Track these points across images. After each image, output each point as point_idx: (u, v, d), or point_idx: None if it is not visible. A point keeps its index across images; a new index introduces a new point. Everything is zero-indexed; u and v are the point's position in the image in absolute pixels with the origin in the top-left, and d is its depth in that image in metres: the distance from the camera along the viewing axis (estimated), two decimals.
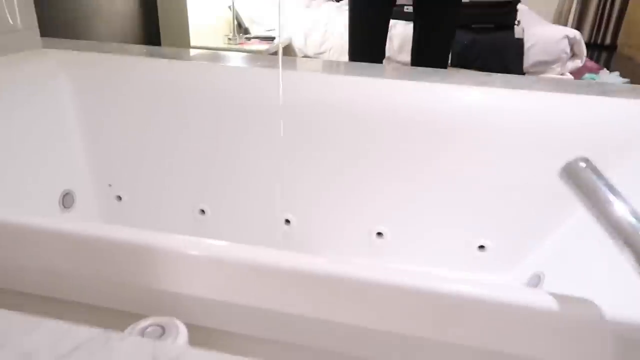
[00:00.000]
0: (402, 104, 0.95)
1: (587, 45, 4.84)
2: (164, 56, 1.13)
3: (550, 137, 0.90)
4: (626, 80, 3.12)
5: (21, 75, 1.01)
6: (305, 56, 2.98)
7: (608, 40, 4.89)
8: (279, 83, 0.79)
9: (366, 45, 1.56)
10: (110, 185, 1.07)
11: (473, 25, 2.80)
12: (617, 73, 3.21)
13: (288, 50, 3.04)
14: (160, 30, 2.47)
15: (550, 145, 0.90)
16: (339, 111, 0.97)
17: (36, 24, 1.30)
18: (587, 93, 0.94)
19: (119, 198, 1.08)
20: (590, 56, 4.40)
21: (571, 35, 2.77)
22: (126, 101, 1.05)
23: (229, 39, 2.80)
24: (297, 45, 2.98)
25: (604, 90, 0.96)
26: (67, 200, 1.02)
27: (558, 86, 1.00)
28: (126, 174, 1.07)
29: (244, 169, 1.03)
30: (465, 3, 2.79)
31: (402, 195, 0.98)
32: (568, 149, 0.89)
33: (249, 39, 2.87)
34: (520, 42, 2.75)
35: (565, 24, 4.93)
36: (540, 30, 2.83)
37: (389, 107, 0.96)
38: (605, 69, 3.50)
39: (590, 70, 3.41)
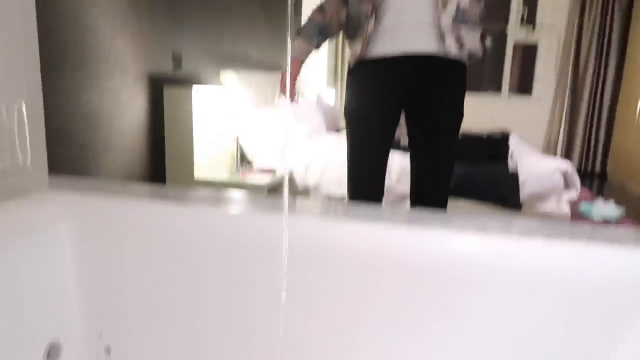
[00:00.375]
0: (403, 252, 0.94)
1: (578, 173, 4.99)
2: (167, 197, 1.14)
3: (560, 291, 0.87)
4: (621, 209, 3.16)
5: (21, 223, 1.01)
6: (306, 187, 3.06)
7: (598, 168, 5.06)
8: (285, 236, 0.78)
9: (366, 184, 1.58)
10: (100, 336, 1.03)
11: (466, 158, 2.92)
12: (612, 202, 3.26)
13: (288, 181, 3.12)
14: (167, 162, 2.58)
15: (561, 300, 0.87)
16: (339, 259, 0.95)
17: (46, 164, 1.33)
18: (596, 239, 0.92)
19: (108, 350, 1.03)
20: (583, 184, 4.52)
21: (564, 168, 2.87)
22: (125, 248, 1.04)
23: (232, 171, 2.89)
24: (298, 176, 3.07)
25: (611, 237, 0.95)
26: (53, 352, 0.97)
27: (563, 231, 0.99)
28: (119, 325, 1.03)
29: (242, 325, 0.99)
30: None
31: (411, 357, 0.93)
32: (581, 305, 0.86)
33: (251, 170, 2.97)
34: (515, 176, 2.84)
35: (555, 153, 5.13)
36: (534, 162, 2.94)
37: (391, 255, 0.94)
38: (600, 198, 3.57)
39: (586, 199, 3.48)
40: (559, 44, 5.15)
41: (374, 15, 1.43)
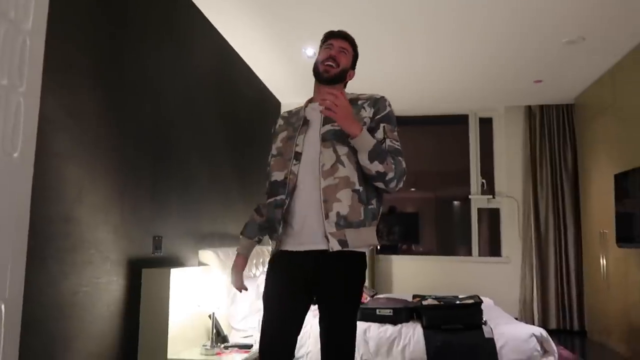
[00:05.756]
0: None
1: (558, 332, 4.94)
2: None
3: None
4: None
5: None
6: None
7: (576, 326, 5.06)
8: None
9: (274, 345, 1.69)
10: None
11: (443, 327, 2.97)
12: None
13: None
14: (140, 342, 2.52)
15: None
16: None
17: None
18: None
19: None
20: (564, 344, 4.47)
21: (537, 334, 2.89)
22: None
23: (206, 348, 2.78)
24: None
25: None
26: None
27: None
28: None
29: None
30: (433, 305, 3.09)
31: None
32: None
33: (227, 347, 2.87)
34: (491, 342, 2.87)
35: (532, 313, 5.15)
36: (508, 329, 2.97)
37: None
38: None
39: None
40: (518, 209, 5.50)
41: (281, 222, 1.75)
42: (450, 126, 5.99)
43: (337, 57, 1.85)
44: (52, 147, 1.97)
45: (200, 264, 3.26)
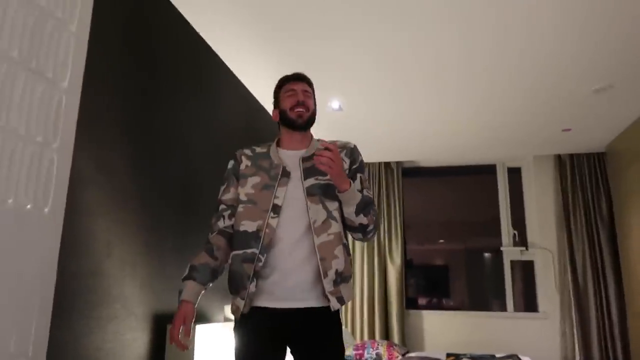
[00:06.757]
0: None
1: None
2: None
3: None
4: None
5: None
6: None
7: None
8: None
9: None
10: None
11: None
12: None
13: None
14: None
15: None
16: None
17: None
18: None
19: None
20: None
21: None
22: None
23: None
24: None
25: None
26: None
27: None
28: None
29: None
30: None
31: None
32: None
33: None
34: None
35: None
36: None
37: None
38: None
39: None
40: (553, 261, 5.28)
41: (254, 278, 1.62)
42: (478, 176, 5.91)
43: (305, 102, 1.83)
44: (81, 202, 1.98)
45: (226, 319, 3.18)
